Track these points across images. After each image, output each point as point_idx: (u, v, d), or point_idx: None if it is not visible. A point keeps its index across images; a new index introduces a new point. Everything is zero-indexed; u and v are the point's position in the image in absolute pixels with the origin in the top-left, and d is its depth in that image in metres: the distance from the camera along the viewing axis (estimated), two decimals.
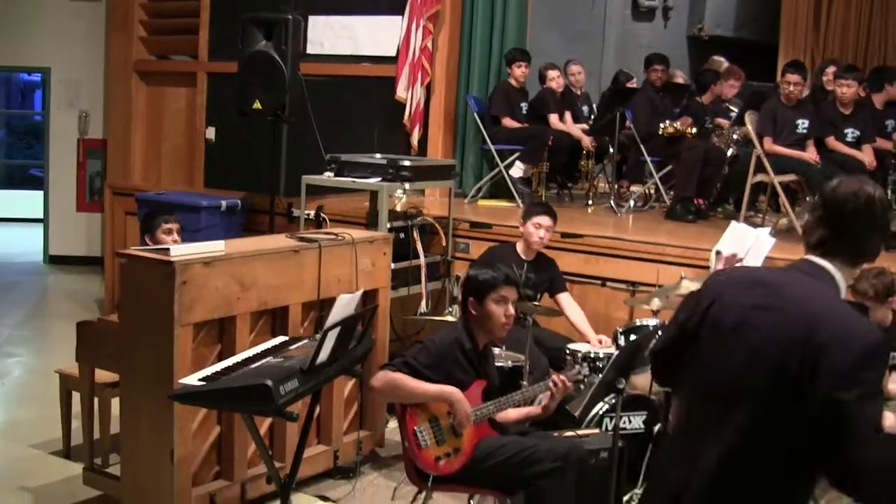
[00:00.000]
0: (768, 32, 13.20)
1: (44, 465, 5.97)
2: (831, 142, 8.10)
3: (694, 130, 8.98)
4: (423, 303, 7.16)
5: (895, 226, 3.78)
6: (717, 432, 2.70)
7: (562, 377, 4.70)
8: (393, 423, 5.75)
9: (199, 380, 3.97)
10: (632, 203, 9.29)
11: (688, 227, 8.22)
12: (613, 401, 4.95)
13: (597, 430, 5.26)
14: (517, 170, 9.12)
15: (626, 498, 5.25)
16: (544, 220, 6.46)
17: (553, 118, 9.50)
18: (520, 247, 6.55)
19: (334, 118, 8.93)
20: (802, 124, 8.02)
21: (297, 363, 3.98)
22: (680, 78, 10.82)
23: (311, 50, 9.43)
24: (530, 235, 6.45)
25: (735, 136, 9.24)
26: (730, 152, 9.14)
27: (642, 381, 5.69)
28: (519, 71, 9.16)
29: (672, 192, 9.10)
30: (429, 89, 9.17)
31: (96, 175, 12.02)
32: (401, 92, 9.03)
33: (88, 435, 5.73)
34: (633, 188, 9.87)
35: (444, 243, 7.55)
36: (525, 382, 5.32)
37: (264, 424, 5.39)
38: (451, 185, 7.84)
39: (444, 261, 7.52)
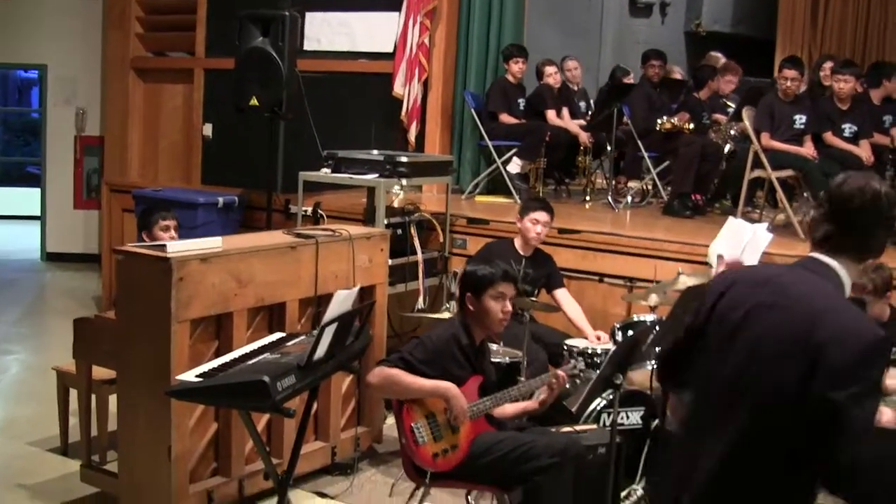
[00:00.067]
0: (766, 28, 13.21)
1: (41, 463, 5.97)
2: (829, 137, 8.10)
3: (691, 126, 8.98)
4: (421, 299, 7.15)
5: None
6: (719, 431, 2.69)
7: (559, 372, 4.70)
8: (391, 420, 5.74)
9: (196, 376, 3.97)
10: (629, 199, 9.30)
11: (685, 222, 8.22)
12: (611, 396, 4.94)
13: (594, 426, 5.25)
14: (514, 166, 9.12)
15: (623, 493, 5.26)
16: (541, 215, 6.46)
17: (550, 114, 9.49)
18: (517, 242, 6.54)
19: (331, 114, 8.93)
20: (800, 120, 8.01)
21: (295, 359, 3.98)
22: (677, 74, 10.81)
23: (307, 46, 9.42)
24: (527, 231, 6.45)
25: (732, 132, 9.23)
26: (727, 148, 9.13)
27: (640, 376, 5.70)
28: (516, 67, 9.16)
29: (669, 188, 9.10)
30: (426, 85, 9.16)
31: (93, 172, 12.01)
32: (398, 88, 9.02)
33: (86, 432, 5.72)
34: (631, 184, 9.87)
35: (441, 239, 7.54)
36: (522, 378, 5.32)
37: (262, 421, 5.39)
38: (449, 182, 7.83)
39: (442, 257, 7.52)
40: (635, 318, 6.16)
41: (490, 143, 9.01)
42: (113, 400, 5.38)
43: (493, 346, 5.61)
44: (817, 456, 2.54)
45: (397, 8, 9.04)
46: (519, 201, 8.27)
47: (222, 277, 4.98)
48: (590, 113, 10.50)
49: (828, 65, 9.26)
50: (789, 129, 7.98)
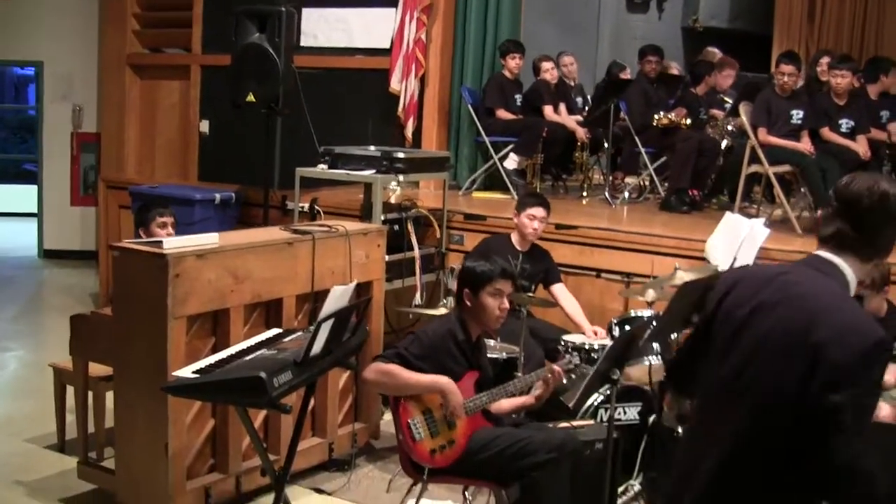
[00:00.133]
0: (763, 23, 13.18)
1: (39, 459, 5.96)
2: (826, 132, 8.09)
3: (688, 122, 8.98)
4: (418, 295, 7.14)
5: None
6: (719, 431, 2.69)
7: (555, 367, 4.70)
8: (388, 416, 5.75)
9: (193, 372, 3.97)
10: (626, 194, 9.30)
11: (682, 218, 8.22)
12: (608, 392, 4.94)
13: (592, 422, 5.26)
14: (511, 162, 9.12)
15: (621, 489, 5.26)
16: (538, 211, 6.46)
17: (547, 110, 9.48)
18: (514, 238, 6.54)
19: (328, 110, 8.93)
20: (797, 115, 8.01)
21: (291, 355, 3.98)
22: (674, 69, 10.79)
23: (304, 42, 9.42)
24: (524, 227, 6.45)
25: (730, 128, 9.23)
26: (724, 143, 9.13)
27: (637, 372, 5.69)
28: (513, 63, 9.15)
29: (667, 184, 9.10)
30: (423, 81, 9.16)
31: (90, 169, 12.01)
32: (395, 84, 9.02)
33: (83, 429, 5.73)
34: (628, 179, 9.87)
35: (438, 235, 7.54)
36: (520, 374, 5.31)
37: (259, 417, 5.39)
38: (446, 177, 7.82)
39: (439, 253, 7.51)
40: (632, 314, 6.15)
41: (487, 139, 9.01)
42: (110, 396, 5.38)
43: (490, 342, 5.60)
44: (817, 456, 2.53)
45: (394, 4, 9.04)
46: (516, 197, 8.26)
47: (219, 274, 4.98)
48: (587, 108, 10.49)
49: (825, 60, 9.25)
50: (786, 125, 7.97)
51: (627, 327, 5.78)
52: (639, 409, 5.50)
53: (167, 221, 6.09)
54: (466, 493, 4.88)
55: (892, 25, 11.34)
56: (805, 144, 7.90)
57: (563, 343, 5.99)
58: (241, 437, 5.22)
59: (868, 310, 4.75)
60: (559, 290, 6.56)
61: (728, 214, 6.75)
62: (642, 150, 9.22)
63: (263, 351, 4.20)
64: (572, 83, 10.68)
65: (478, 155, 9.46)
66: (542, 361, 5.78)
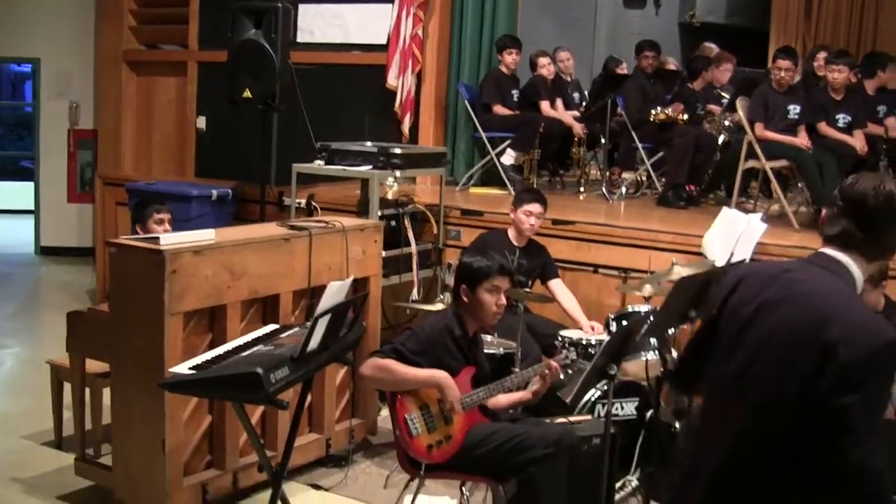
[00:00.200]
0: (759, 19, 13.20)
1: (36, 456, 5.96)
2: (823, 127, 8.09)
3: (685, 117, 8.97)
4: (415, 291, 7.14)
5: None
6: (722, 429, 2.68)
7: (552, 362, 4.70)
8: (385, 412, 5.74)
9: (190, 368, 3.96)
10: (623, 190, 9.30)
11: (679, 213, 8.22)
12: (605, 387, 4.94)
13: (589, 417, 5.26)
14: (508, 157, 9.12)
15: (618, 484, 5.26)
16: (535, 207, 6.46)
17: (544, 105, 9.48)
18: (511, 233, 6.54)
19: (325, 106, 8.91)
20: (794, 110, 8.01)
21: (288, 351, 3.97)
22: (671, 65, 10.80)
23: (301, 38, 9.41)
24: (521, 223, 6.45)
25: (727, 123, 9.23)
26: (721, 138, 9.13)
27: (634, 367, 5.70)
28: (510, 58, 9.14)
29: (664, 179, 9.10)
30: (419, 77, 9.16)
31: (87, 166, 11.99)
32: (391, 80, 9.02)
33: (80, 425, 5.72)
34: (625, 175, 9.87)
35: (435, 231, 7.54)
36: (517, 369, 5.31)
37: (256, 413, 5.39)
38: (443, 173, 7.83)
39: (436, 248, 7.51)
40: (630, 309, 6.17)
41: (484, 135, 9.00)
42: (107, 393, 5.38)
43: (487, 338, 5.61)
44: (822, 456, 2.51)
45: (390, 0, 9.03)
46: (513, 193, 8.26)
47: (215, 270, 4.97)
48: (583, 104, 10.50)
49: (821, 55, 9.26)
50: (783, 120, 7.97)
51: (625, 322, 5.79)
52: (636, 404, 5.51)
53: (164, 218, 6.09)
54: (464, 488, 4.87)
55: (888, 21, 11.34)
56: (802, 139, 7.90)
57: (560, 338, 5.99)
58: (238, 434, 5.21)
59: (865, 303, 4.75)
60: (556, 285, 6.56)
61: (725, 209, 6.76)
62: (639, 146, 9.22)
63: (260, 347, 4.20)
64: (569, 78, 10.69)
65: (474, 150, 9.45)
66: (539, 357, 5.78)
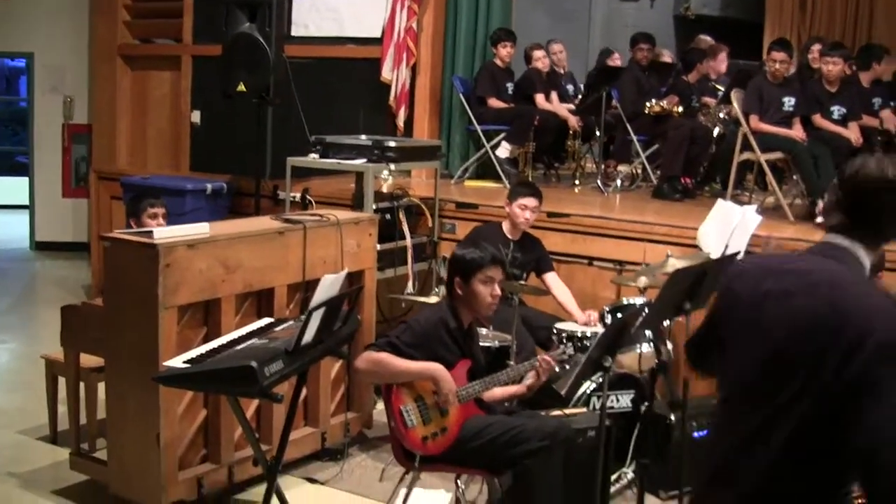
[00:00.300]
0: (754, 11, 13.21)
1: (31, 451, 5.96)
2: (818, 119, 8.09)
3: (680, 109, 8.97)
4: (410, 284, 7.14)
5: None
6: (733, 428, 2.65)
7: (546, 357, 4.70)
8: (380, 405, 5.74)
9: (184, 362, 3.96)
10: (619, 182, 9.29)
11: (674, 205, 8.22)
12: (601, 380, 4.94)
13: (584, 409, 5.26)
14: (503, 150, 9.11)
15: (613, 477, 5.27)
16: (530, 201, 6.45)
17: (539, 98, 9.47)
18: (506, 227, 6.53)
19: (319, 100, 8.91)
20: (789, 102, 8.01)
21: (282, 344, 3.97)
22: (666, 57, 10.78)
23: (295, 32, 9.39)
24: (516, 216, 6.44)
25: (722, 115, 9.22)
26: (716, 131, 9.13)
27: (629, 359, 5.70)
28: (504, 51, 9.13)
29: (659, 171, 9.09)
30: (414, 70, 9.14)
31: (82, 160, 11.98)
32: (386, 73, 9.00)
33: (75, 420, 5.72)
34: (620, 168, 9.87)
35: (430, 224, 7.53)
36: (512, 362, 5.31)
37: (251, 407, 5.38)
38: (437, 166, 7.82)
39: (431, 242, 7.51)
40: (625, 301, 6.16)
41: (479, 128, 8.99)
42: (102, 388, 5.37)
43: (483, 331, 5.60)
44: (851, 443, 2.45)
45: None
46: (508, 186, 8.25)
47: (210, 263, 4.97)
48: (578, 96, 10.49)
49: (816, 47, 9.26)
50: (778, 112, 7.97)
51: (619, 315, 5.79)
52: (631, 396, 5.51)
53: (158, 212, 6.09)
54: (459, 481, 4.87)
55: (883, 13, 11.36)
56: (797, 131, 7.90)
57: (556, 332, 5.98)
58: (233, 427, 5.21)
59: None
60: (551, 278, 6.55)
61: (720, 202, 6.75)
62: (634, 138, 9.22)
63: (255, 340, 4.21)
64: (562, 71, 10.68)
65: (469, 143, 9.45)
66: (533, 350, 5.78)
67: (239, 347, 4.09)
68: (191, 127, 9.94)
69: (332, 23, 9.42)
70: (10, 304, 9.76)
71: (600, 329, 5.85)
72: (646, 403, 5.36)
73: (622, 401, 5.49)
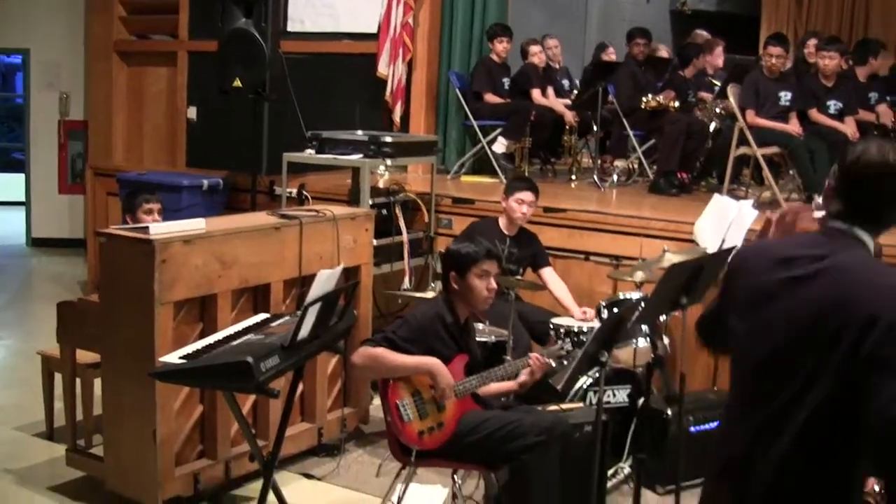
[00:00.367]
0: (750, 6, 13.21)
1: (27, 447, 5.95)
2: (814, 114, 8.10)
3: (677, 104, 8.97)
4: (406, 279, 7.13)
5: None
6: (745, 418, 2.64)
7: (537, 356, 4.70)
8: (377, 401, 5.74)
9: (180, 358, 3.96)
10: (615, 177, 9.29)
11: (671, 200, 8.22)
12: (597, 374, 4.94)
13: (581, 404, 5.27)
14: (500, 145, 9.10)
15: (610, 472, 5.27)
16: (526, 195, 6.45)
17: (535, 93, 9.47)
18: (502, 222, 6.53)
19: (315, 96, 8.90)
20: (785, 97, 8.01)
21: (279, 340, 3.97)
22: (663, 52, 10.78)
23: (291, 27, 9.39)
24: (512, 211, 6.44)
25: (718, 110, 9.21)
26: (713, 126, 9.12)
27: (625, 354, 5.70)
28: (501, 46, 9.13)
29: (655, 166, 9.09)
30: (410, 65, 9.15)
31: (78, 156, 11.97)
32: (382, 68, 9.00)
33: (71, 416, 5.72)
34: (617, 163, 9.85)
35: (426, 219, 7.53)
36: (508, 357, 5.31)
37: (247, 403, 5.38)
38: (434, 162, 7.81)
39: (427, 237, 7.50)
40: (621, 296, 6.17)
41: (475, 123, 8.99)
42: (98, 384, 5.36)
43: (479, 326, 5.61)
44: (863, 423, 2.43)
45: None
46: (504, 181, 8.25)
47: (206, 259, 4.96)
48: (575, 91, 10.49)
49: (812, 42, 9.26)
50: (775, 107, 7.97)
51: (616, 310, 5.79)
52: (628, 391, 5.52)
53: (153, 208, 6.07)
54: (455, 476, 4.87)
55: (880, 7, 11.36)
56: (793, 126, 7.91)
57: (552, 326, 5.98)
58: (229, 423, 5.20)
59: None
60: (548, 273, 6.55)
61: (716, 196, 6.75)
62: (631, 133, 9.21)
63: (251, 336, 4.20)
64: (557, 66, 10.68)
65: (466, 139, 9.45)
66: (529, 346, 5.78)
67: (235, 343, 4.09)
68: (187, 123, 9.92)
69: (328, 18, 9.42)
70: (7, 301, 9.74)
71: (597, 324, 5.86)
72: (642, 398, 5.37)
73: (619, 396, 5.49)
